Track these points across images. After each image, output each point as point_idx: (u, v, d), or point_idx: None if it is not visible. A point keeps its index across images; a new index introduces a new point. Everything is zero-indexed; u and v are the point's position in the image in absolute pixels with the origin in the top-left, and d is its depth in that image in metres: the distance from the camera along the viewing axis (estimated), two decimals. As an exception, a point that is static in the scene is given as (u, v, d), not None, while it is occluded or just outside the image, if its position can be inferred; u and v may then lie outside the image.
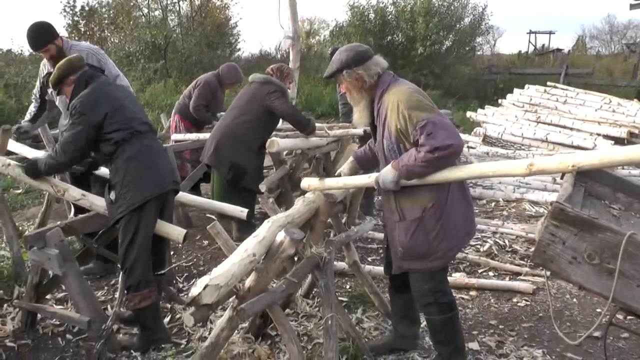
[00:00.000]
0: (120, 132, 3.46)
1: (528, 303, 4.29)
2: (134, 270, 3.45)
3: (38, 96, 4.97)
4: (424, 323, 3.58)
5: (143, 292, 3.47)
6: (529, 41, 28.35)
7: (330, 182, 3.30)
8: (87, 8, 19.44)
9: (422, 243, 2.99)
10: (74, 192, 3.77)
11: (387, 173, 2.90)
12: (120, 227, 3.49)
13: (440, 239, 2.97)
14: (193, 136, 6.19)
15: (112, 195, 3.51)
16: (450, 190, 2.97)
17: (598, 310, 4.11)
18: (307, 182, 3.37)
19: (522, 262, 5.08)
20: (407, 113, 2.78)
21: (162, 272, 3.59)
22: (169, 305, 4.14)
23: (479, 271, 4.91)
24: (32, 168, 3.68)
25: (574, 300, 4.32)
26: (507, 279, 4.73)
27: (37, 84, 4.95)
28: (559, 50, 25.34)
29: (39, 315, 3.86)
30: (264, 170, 5.85)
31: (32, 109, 5.09)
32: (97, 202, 3.73)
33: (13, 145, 4.81)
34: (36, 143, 5.18)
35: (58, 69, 3.66)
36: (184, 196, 4.25)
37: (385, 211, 3.21)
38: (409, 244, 3.02)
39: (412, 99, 2.84)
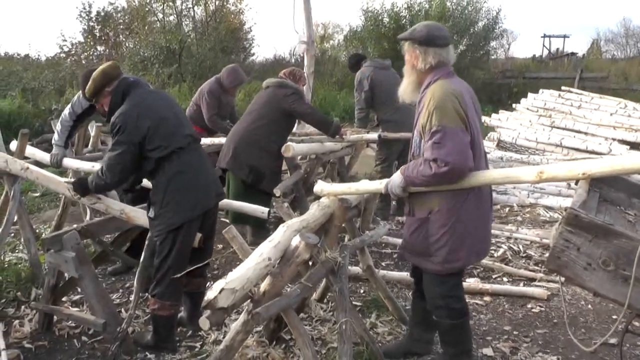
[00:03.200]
0: (160, 150, 3.39)
1: (542, 309, 4.27)
2: (162, 282, 3.49)
3: (75, 115, 4.84)
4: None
5: (165, 302, 3.50)
6: (543, 45, 28.20)
7: (342, 187, 3.33)
8: (102, 13, 19.61)
9: (420, 243, 3.02)
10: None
11: (396, 178, 2.95)
12: (157, 242, 3.49)
13: (440, 246, 2.96)
14: (207, 141, 6.21)
15: (151, 213, 3.51)
16: (464, 205, 2.91)
17: (614, 316, 4.08)
18: (320, 187, 3.40)
19: (536, 267, 5.06)
20: (432, 111, 2.77)
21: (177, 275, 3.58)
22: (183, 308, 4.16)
23: (493, 276, 4.90)
24: (81, 186, 3.62)
25: (589, 306, 4.30)
26: (522, 284, 4.72)
27: (76, 99, 4.82)
28: (573, 54, 25.17)
29: (55, 317, 3.90)
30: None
31: (62, 129, 4.88)
32: (112, 206, 3.76)
33: (26, 149, 4.87)
34: (52, 147, 5.22)
35: (93, 81, 3.52)
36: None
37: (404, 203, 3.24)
38: (409, 240, 3.10)
39: (445, 99, 2.79)
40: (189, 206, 3.44)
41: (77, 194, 3.69)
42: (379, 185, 3.12)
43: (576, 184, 3.37)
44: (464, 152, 2.72)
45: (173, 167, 3.42)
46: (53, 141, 4.89)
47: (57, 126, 4.92)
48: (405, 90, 3.13)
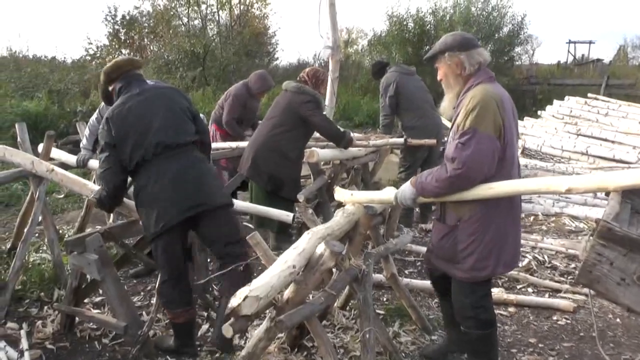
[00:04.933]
0: (125, 162, 3.40)
1: (568, 321, 4.18)
2: (162, 291, 3.51)
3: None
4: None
5: (175, 310, 3.50)
6: (568, 51, 27.85)
7: (357, 196, 3.30)
8: (127, 17, 19.80)
9: (448, 249, 3.02)
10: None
11: (405, 189, 2.94)
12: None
13: (468, 254, 2.95)
14: (233, 144, 6.22)
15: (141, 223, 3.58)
16: (495, 214, 2.89)
17: (644, 331, 3.99)
18: (340, 195, 3.38)
19: (562, 278, 4.96)
20: (469, 112, 2.72)
21: (199, 281, 3.59)
22: (205, 314, 4.16)
23: (518, 287, 4.81)
24: (100, 203, 3.60)
25: (617, 320, 4.19)
26: (547, 295, 4.63)
27: (103, 105, 4.84)
28: (599, 60, 24.83)
29: (77, 319, 3.91)
30: (302, 180, 5.84)
31: (90, 134, 4.95)
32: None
33: (52, 151, 4.91)
34: (77, 148, 5.27)
35: (100, 86, 3.72)
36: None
37: (435, 205, 3.20)
38: (437, 245, 3.09)
39: (486, 102, 2.73)
40: (152, 221, 3.36)
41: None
42: (389, 196, 3.09)
43: (607, 195, 3.30)
44: (483, 161, 2.70)
45: (140, 181, 3.41)
46: (81, 145, 4.97)
47: (85, 131, 4.98)
48: (448, 106, 3.06)
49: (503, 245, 2.95)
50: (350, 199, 3.33)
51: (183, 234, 3.51)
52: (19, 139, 4.72)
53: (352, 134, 5.63)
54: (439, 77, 3.07)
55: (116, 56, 19.26)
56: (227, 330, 2.37)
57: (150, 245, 3.51)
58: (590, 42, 27.82)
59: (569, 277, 4.93)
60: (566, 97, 12.78)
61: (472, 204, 2.86)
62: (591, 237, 2.44)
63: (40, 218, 4.50)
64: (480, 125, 2.68)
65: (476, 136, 2.67)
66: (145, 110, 3.44)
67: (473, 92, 2.81)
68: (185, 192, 3.37)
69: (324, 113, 5.55)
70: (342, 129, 5.52)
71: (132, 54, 19.80)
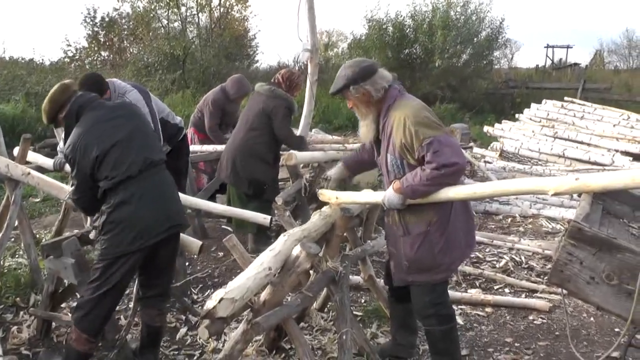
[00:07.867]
0: (106, 181, 3.09)
1: (544, 321, 4.24)
2: (83, 307, 3.15)
3: None
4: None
5: (81, 333, 3.14)
6: (547, 55, 28.18)
7: (344, 197, 3.32)
8: (107, 19, 19.66)
9: (427, 257, 3.03)
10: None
11: (392, 197, 2.95)
12: (94, 263, 3.21)
13: (444, 253, 3.01)
14: (210, 148, 6.22)
15: (92, 234, 3.43)
16: (454, 204, 3.01)
17: (616, 329, 4.05)
18: (325, 197, 3.38)
19: (538, 279, 5.02)
20: (414, 129, 2.82)
21: (177, 283, 3.48)
22: (183, 317, 4.15)
23: (495, 287, 4.87)
24: (76, 206, 3.45)
25: (591, 319, 4.26)
26: (523, 296, 4.68)
27: None
28: (576, 64, 25.16)
29: (53, 324, 3.89)
30: (281, 183, 5.86)
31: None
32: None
33: (29, 154, 4.88)
34: (54, 152, 5.23)
35: (44, 111, 3.37)
36: (206, 204, 4.35)
37: (388, 224, 3.22)
38: (414, 258, 3.06)
39: (420, 115, 2.88)
40: (127, 240, 3.07)
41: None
42: (377, 198, 3.12)
43: (579, 196, 3.36)
44: (461, 151, 2.89)
45: (117, 198, 3.09)
46: (58, 148, 4.93)
47: (62, 134, 4.95)
48: (368, 130, 3.15)
49: (466, 229, 3.13)
50: (336, 201, 3.32)
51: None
52: (-6, 143, 4.67)
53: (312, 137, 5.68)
54: (349, 106, 3.20)
55: (95, 58, 19.16)
56: (202, 332, 2.38)
57: (101, 262, 3.11)
58: (567, 47, 28.17)
59: (545, 278, 4.98)
60: (544, 101, 12.95)
61: (436, 205, 2.93)
62: (563, 238, 2.49)
63: (16, 222, 4.46)
64: (433, 132, 2.81)
65: (440, 140, 2.78)
66: (129, 125, 3.28)
67: (397, 111, 2.95)
68: (166, 211, 3.23)
69: (297, 116, 5.62)
70: (297, 134, 5.58)
71: (111, 56, 19.67)
